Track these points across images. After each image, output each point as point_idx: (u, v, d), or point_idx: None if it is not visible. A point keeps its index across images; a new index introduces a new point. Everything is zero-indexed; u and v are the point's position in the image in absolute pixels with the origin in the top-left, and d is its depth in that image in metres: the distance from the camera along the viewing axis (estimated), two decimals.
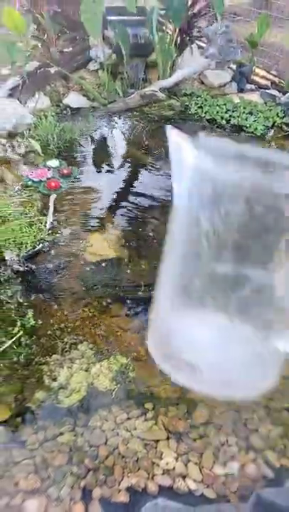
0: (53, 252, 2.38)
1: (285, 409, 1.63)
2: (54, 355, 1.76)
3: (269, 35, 5.96)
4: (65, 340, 1.84)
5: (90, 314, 2.06)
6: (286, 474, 1.40)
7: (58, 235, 2.51)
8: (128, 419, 1.57)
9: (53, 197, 2.68)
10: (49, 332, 1.88)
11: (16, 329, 1.86)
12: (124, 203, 2.90)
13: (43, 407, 1.60)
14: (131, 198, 2.96)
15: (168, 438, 1.51)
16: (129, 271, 2.31)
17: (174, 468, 1.40)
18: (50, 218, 2.56)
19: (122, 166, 3.41)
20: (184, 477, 1.38)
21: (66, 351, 1.79)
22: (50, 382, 1.65)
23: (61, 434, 1.51)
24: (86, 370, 1.69)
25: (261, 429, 1.54)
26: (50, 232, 2.49)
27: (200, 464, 1.42)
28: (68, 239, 2.51)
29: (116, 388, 1.65)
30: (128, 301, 2.16)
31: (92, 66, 4.93)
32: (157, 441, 1.49)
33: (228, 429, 1.54)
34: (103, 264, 2.35)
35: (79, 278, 2.25)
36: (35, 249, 2.32)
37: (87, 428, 1.53)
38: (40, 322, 1.93)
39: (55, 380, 1.66)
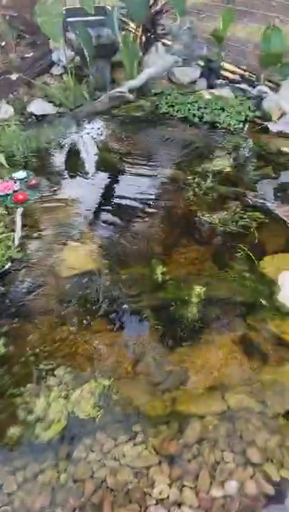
0: (23, 270, 2.23)
1: (281, 415, 1.54)
2: (29, 385, 1.62)
3: (235, 30, 5.96)
4: (41, 366, 1.70)
5: (69, 333, 1.93)
6: (287, 487, 1.30)
7: (28, 251, 2.36)
8: (115, 446, 1.44)
9: (19, 211, 2.53)
10: (23, 359, 1.74)
11: None
12: (99, 212, 2.77)
13: (20, 443, 1.45)
14: (106, 206, 2.84)
15: (160, 463, 1.39)
16: (109, 282, 2.18)
17: (168, 496, 1.29)
18: (18, 234, 2.41)
19: (94, 172, 3.27)
20: (179, 505, 1.26)
21: (42, 378, 1.64)
22: (25, 415, 1.51)
23: (42, 471, 1.38)
24: (65, 398, 1.55)
25: (258, 439, 1.44)
26: (19, 249, 2.34)
27: (196, 488, 1.30)
28: (40, 254, 2.36)
29: (100, 414, 1.51)
30: (110, 315, 2.03)
31: (55, 70, 4.77)
32: (148, 467, 1.38)
33: (224, 443, 1.44)
34: (80, 278, 2.21)
35: (54, 295, 2.11)
36: (4, 268, 2.17)
37: (71, 461, 1.40)
38: (12, 349, 1.78)
39: (31, 412, 1.52)
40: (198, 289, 2.04)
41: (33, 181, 2.93)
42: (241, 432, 1.48)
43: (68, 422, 1.49)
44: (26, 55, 4.94)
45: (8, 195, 2.75)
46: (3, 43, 4.66)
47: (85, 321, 1.98)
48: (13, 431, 1.47)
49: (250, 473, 1.34)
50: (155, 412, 1.59)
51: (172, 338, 1.91)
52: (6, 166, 3.12)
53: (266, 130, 3.67)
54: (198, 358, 1.83)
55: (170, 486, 1.31)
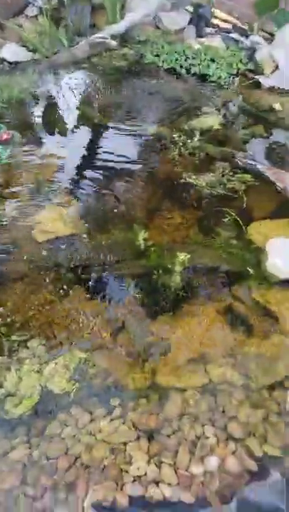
0: None
1: (265, 388, 1.48)
2: None
3: None
4: (13, 337, 1.58)
5: (45, 301, 1.80)
6: (270, 463, 1.26)
7: (1, 212, 2.16)
8: (91, 421, 1.37)
9: None
10: None
11: None
12: (77, 171, 2.55)
13: None
14: (86, 166, 2.61)
15: (138, 438, 1.33)
16: (87, 248, 2.03)
17: (145, 473, 1.23)
18: None
19: (72, 127, 2.99)
20: (157, 483, 1.21)
21: (14, 351, 1.53)
22: None
23: (13, 448, 1.29)
24: (38, 372, 1.45)
25: (240, 414, 1.38)
26: None
27: (175, 465, 1.25)
28: (14, 216, 2.17)
29: (75, 388, 1.42)
30: (89, 282, 1.90)
31: (30, 11, 4.25)
32: (126, 443, 1.31)
33: (205, 418, 1.38)
34: (57, 243, 2.05)
35: (29, 261, 1.95)
36: None
37: (44, 438, 1.32)
38: None
39: (1, 386, 1.41)
40: (182, 257, 1.92)
41: (4, 136, 2.65)
42: (223, 406, 1.42)
43: (41, 397, 1.39)
44: None
45: None
46: None
47: (62, 289, 1.85)
48: None
49: (232, 449, 1.29)
50: (134, 385, 1.52)
51: (154, 307, 1.81)
52: None
53: (258, 85, 3.41)
54: (180, 329, 1.75)
55: (148, 462, 1.26)
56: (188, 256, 1.94)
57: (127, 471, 1.23)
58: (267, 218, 2.18)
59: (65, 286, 1.87)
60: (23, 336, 1.58)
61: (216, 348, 1.67)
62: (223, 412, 1.39)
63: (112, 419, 1.37)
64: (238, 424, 1.35)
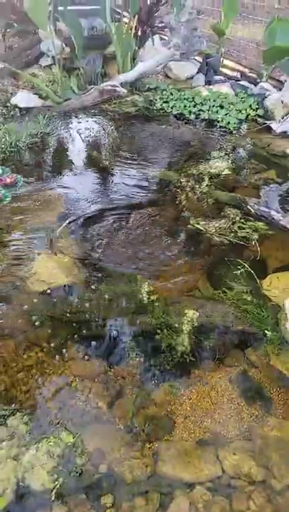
0: None
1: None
2: None
3: (237, 29, 5.69)
4: None
5: (36, 361, 1.60)
6: None
7: None
8: None
9: None
10: None
11: None
12: (79, 217, 2.43)
13: None
14: (88, 210, 2.49)
15: None
16: (85, 300, 1.85)
17: None
18: None
19: (78, 172, 2.93)
20: None
21: None
22: None
23: None
24: (15, 459, 1.21)
25: None
26: None
27: None
28: (9, 264, 2.03)
29: (58, 483, 1.18)
30: (86, 340, 1.70)
31: (44, 61, 4.45)
32: None
33: None
34: (53, 294, 1.88)
35: (22, 313, 1.77)
36: None
37: None
38: None
39: None
40: (190, 314, 1.72)
41: (8, 179, 2.59)
42: None
43: (16, 494, 1.15)
44: (15, 45, 4.62)
45: None
46: None
47: (55, 347, 1.65)
48: None
49: None
50: (132, 475, 1.26)
51: (157, 372, 1.59)
52: None
53: (269, 130, 3.36)
54: (187, 400, 1.51)
55: None
56: (197, 313, 1.74)
57: None
58: (283, 270, 1.99)
59: (58, 344, 1.67)
60: (3, 411, 1.36)
61: (229, 427, 1.42)
62: None
63: None
64: None
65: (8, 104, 3.76)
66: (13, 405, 1.39)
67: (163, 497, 1.19)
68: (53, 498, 1.15)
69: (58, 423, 1.35)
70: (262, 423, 1.41)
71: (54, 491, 1.16)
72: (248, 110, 3.65)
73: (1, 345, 1.67)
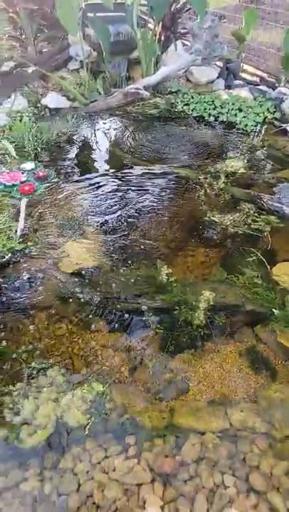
0: (24, 262, 2.14)
1: None
2: (18, 384, 1.51)
3: (257, 34, 5.85)
4: (33, 364, 1.59)
5: (66, 332, 1.82)
6: None
7: (30, 243, 2.27)
8: (105, 457, 1.32)
9: (24, 201, 2.44)
10: (14, 356, 1.63)
11: None
12: (106, 208, 2.67)
13: (5, 447, 1.34)
14: (114, 202, 2.73)
15: (152, 481, 1.26)
16: (111, 281, 2.07)
17: None
18: (21, 225, 2.31)
19: (104, 168, 3.18)
20: None
21: (33, 378, 1.54)
22: (12, 417, 1.40)
23: (25, 479, 1.26)
24: (55, 401, 1.44)
25: (262, 465, 1.30)
26: (21, 240, 2.24)
27: None
28: (42, 247, 2.27)
29: (90, 422, 1.40)
30: (111, 315, 1.92)
31: (72, 65, 4.72)
32: (140, 485, 1.25)
33: (224, 466, 1.30)
34: (82, 275, 2.11)
35: (54, 291, 2.01)
36: (3, 259, 2.08)
37: (56, 471, 1.28)
38: (5, 344, 1.68)
39: (18, 414, 1.41)
40: (206, 294, 1.92)
41: (41, 173, 2.85)
42: (244, 454, 1.34)
43: (56, 428, 1.37)
44: (45, 50, 4.91)
45: (14, 185, 2.67)
46: (23, 36, 4.62)
47: (83, 320, 1.87)
48: None
49: (253, 503, 1.20)
50: (151, 423, 1.47)
51: (174, 343, 1.79)
52: (16, 156, 3.05)
53: (285, 132, 3.52)
54: (200, 368, 1.70)
55: (162, 508, 1.19)
56: (212, 293, 1.93)
57: None
58: None
59: (87, 317, 1.89)
60: (43, 364, 1.59)
61: (237, 391, 1.61)
62: (244, 460, 1.31)
63: (126, 458, 1.32)
64: (260, 476, 1.26)
65: (39, 105, 4.04)
66: (51, 361, 1.62)
67: (178, 439, 1.40)
68: (86, 433, 1.37)
69: (89, 376, 1.57)
70: (267, 388, 1.60)
71: (87, 427, 1.38)
72: (265, 113, 3.82)
73: (36, 317, 1.90)
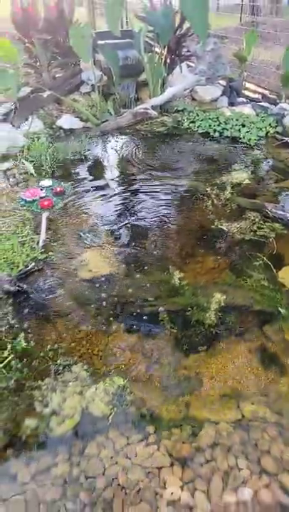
0: (46, 270, 2.30)
1: None
2: (46, 379, 1.65)
3: (258, 52, 6.13)
4: (59, 361, 1.73)
5: (86, 334, 1.96)
6: None
7: (51, 253, 2.44)
8: (128, 445, 1.44)
9: (45, 214, 2.63)
10: (42, 354, 1.78)
11: (6, 353, 1.76)
12: (119, 219, 2.84)
13: (35, 435, 1.47)
14: (126, 214, 2.91)
15: (172, 464, 1.37)
16: (126, 286, 2.22)
17: (179, 498, 1.27)
18: (42, 236, 2.50)
19: (116, 182, 3.38)
20: (190, 508, 1.24)
21: (59, 374, 1.67)
22: (42, 409, 1.54)
23: (55, 464, 1.38)
24: (80, 394, 1.57)
25: (273, 450, 1.40)
26: (42, 250, 2.42)
27: (208, 492, 1.28)
28: (62, 257, 2.44)
29: (113, 412, 1.52)
30: (127, 318, 2.06)
31: (84, 89, 5.02)
32: (160, 468, 1.36)
33: (238, 450, 1.41)
34: (99, 281, 2.26)
35: (74, 296, 2.16)
36: (27, 268, 2.25)
37: (84, 457, 1.40)
38: (32, 344, 1.83)
39: (47, 405, 1.54)
40: (216, 295, 2.04)
41: (58, 189, 3.05)
42: (256, 440, 1.44)
43: (82, 417, 1.50)
44: (58, 75, 5.23)
45: (34, 200, 2.87)
46: (38, 64, 4.95)
47: (102, 323, 2.00)
48: (29, 422, 1.49)
49: (265, 482, 1.30)
50: (168, 415, 1.58)
51: (187, 342, 1.91)
52: (34, 174, 3.26)
53: (287, 145, 3.69)
54: (213, 365, 1.81)
55: (182, 488, 1.29)
56: (222, 295, 2.06)
57: (161, 495, 1.27)
58: None
59: (105, 320, 2.03)
60: (67, 361, 1.73)
61: (248, 386, 1.71)
62: (256, 445, 1.42)
63: (147, 445, 1.43)
64: (272, 459, 1.36)
65: (54, 126, 4.31)
66: (74, 359, 1.76)
67: (194, 428, 1.51)
68: (109, 423, 1.49)
69: (110, 373, 1.70)
70: (276, 383, 1.70)
71: (110, 417, 1.50)
72: (267, 128, 4.01)
73: (58, 321, 2.05)
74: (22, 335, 1.86)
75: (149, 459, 1.38)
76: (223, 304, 2.02)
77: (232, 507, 1.23)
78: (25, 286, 2.15)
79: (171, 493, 1.27)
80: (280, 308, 1.97)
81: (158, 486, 1.31)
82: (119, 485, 1.32)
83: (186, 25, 4.82)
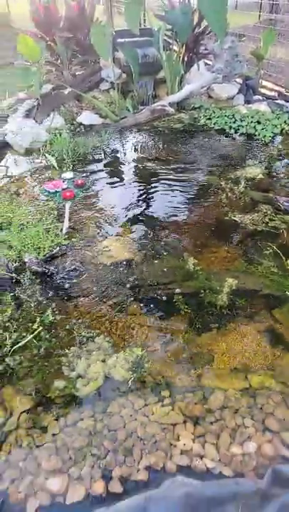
0: (69, 255, 2.49)
1: None
2: (72, 348, 1.84)
3: (276, 51, 6.19)
4: (83, 334, 1.92)
5: (106, 313, 2.13)
6: None
7: (73, 239, 2.63)
8: (145, 405, 1.61)
9: (68, 204, 2.82)
10: (67, 327, 1.97)
11: (36, 325, 1.95)
12: (137, 210, 3.01)
13: (63, 395, 1.66)
14: (144, 206, 3.07)
15: (185, 422, 1.54)
16: (144, 271, 2.39)
17: (191, 448, 1.43)
18: (66, 224, 2.69)
19: (134, 175, 3.55)
20: (201, 457, 1.40)
21: (83, 344, 1.86)
22: (68, 373, 1.72)
23: (81, 419, 1.57)
24: (103, 361, 1.75)
25: (277, 412, 1.55)
26: (66, 237, 2.61)
27: (217, 445, 1.44)
28: (84, 243, 2.62)
29: (132, 378, 1.70)
30: (144, 300, 2.22)
31: (103, 86, 5.20)
32: (174, 424, 1.53)
33: (244, 412, 1.57)
34: (118, 266, 2.43)
35: (95, 279, 2.34)
36: (52, 252, 2.44)
37: (106, 414, 1.58)
38: (58, 318, 2.02)
39: (73, 370, 1.73)
40: (228, 280, 2.19)
41: (79, 181, 3.23)
42: (262, 404, 1.60)
43: (104, 381, 1.68)
44: (78, 73, 5.43)
45: (57, 192, 3.06)
46: (59, 62, 5.15)
47: (121, 303, 2.17)
48: (58, 385, 1.68)
49: (268, 438, 1.45)
50: (182, 383, 1.75)
51: (200, 322, 2.06)
52: (57, 167, 3.46)
53: None
54: (223, 343, 1.97)
55: (193, 441, 1.46)
56: (233, 279, 2.21)
57: (175, 446, 1.44)
58: None
59: (123, 301, 2.20)
60: (90, 334, 1.92)
61: (256, 361, 1.86)
62: (261, 408, 1.57)
63: (162, 406, 1.60)
64: (275, 420, 1.52)
65: (75, 122, 4.51)
66: (96, 332, 1.94)
67: (205, 394, 1.67)
68: (129, 386, 1.67)
69: (130, 343, 1.88)
70: (282, 359, 1.85)
71: (129, 382, 1.68)
72: (282, 125, 4.11)
73: (81, 299, 2.23)
74: (49, 310, 2.05)
75: (164, 416, 1.55)
76: (234, 288, 2.17)
77: (238, 457, 1.39)
78: (51, 268, 2.34)
79: (184, 444, 1.44)
80: (288, 293, 2.11)
81: (172, 438, 1.48)
82: (138, 437, 1.49)
83: (204, 23, 4.94)
